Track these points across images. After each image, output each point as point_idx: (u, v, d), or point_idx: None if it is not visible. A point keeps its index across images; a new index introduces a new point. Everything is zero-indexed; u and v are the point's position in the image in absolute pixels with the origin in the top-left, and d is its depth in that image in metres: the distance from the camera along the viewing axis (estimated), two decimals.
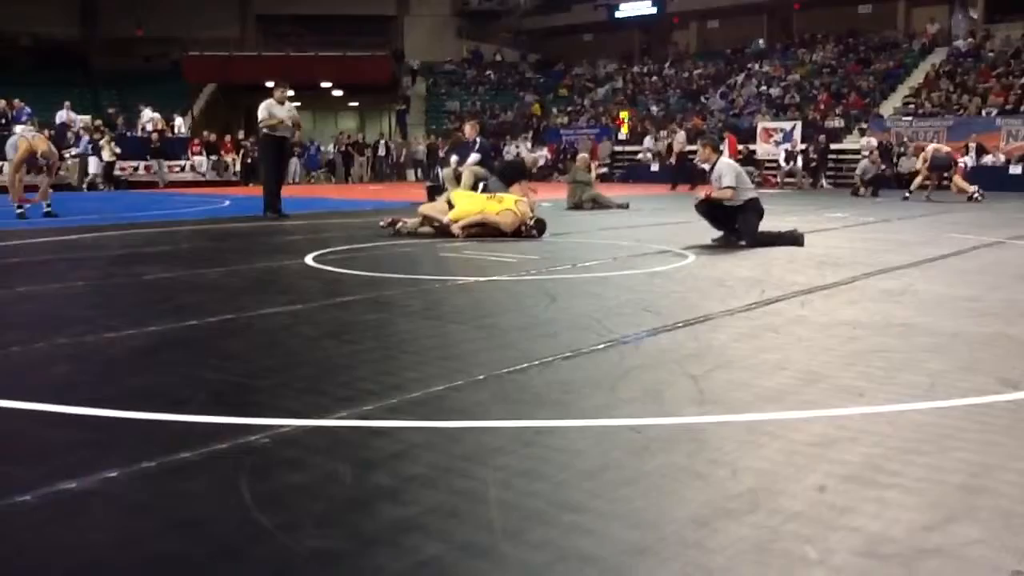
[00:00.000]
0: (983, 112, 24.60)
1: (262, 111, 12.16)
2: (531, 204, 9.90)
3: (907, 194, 18.23)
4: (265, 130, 12.19)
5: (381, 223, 9.97)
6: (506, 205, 9.52)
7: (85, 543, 2.03)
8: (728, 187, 8.70)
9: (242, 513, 2.18)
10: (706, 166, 9.48)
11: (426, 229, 9.74)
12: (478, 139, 13.69)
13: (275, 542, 2.03)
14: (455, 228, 9.41)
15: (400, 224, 9.80)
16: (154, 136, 24.49)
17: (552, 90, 36.46)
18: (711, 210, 9.02)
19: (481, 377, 3.50)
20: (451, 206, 9.71)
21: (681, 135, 25.38)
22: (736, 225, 8.83)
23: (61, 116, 23.60)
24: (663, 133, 28.72)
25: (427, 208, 10.12)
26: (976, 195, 17.28)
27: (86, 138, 22.43)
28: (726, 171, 8.84)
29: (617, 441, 2.78)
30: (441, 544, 2.01)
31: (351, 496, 2.32)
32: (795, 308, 5.16)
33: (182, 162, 25.72)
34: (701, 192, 9.02)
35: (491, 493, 2.31)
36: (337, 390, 3.32)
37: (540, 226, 9.59)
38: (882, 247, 8.92)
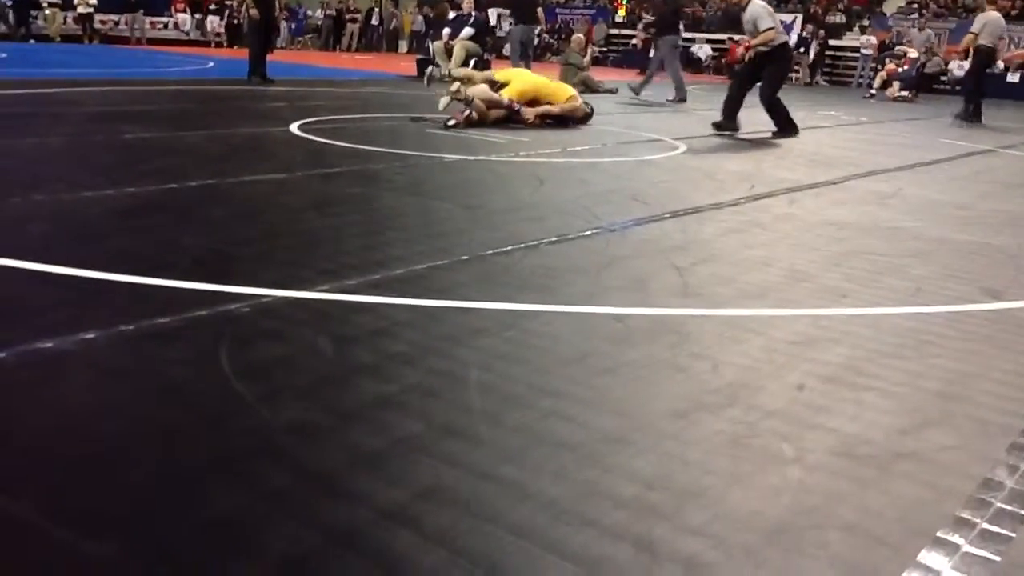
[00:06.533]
0: None
1: None
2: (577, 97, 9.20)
3: (872, 92, 18.44)
4: None
5: (451, 122, 7.99)
6: (568, 93, 8.95)
7: (63, 404, 2.02)
8: (769, 28, 8.76)
9: (221, 382, 2.16)
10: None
11: (487, 110, 8.29)
12: (473, 13, 13.30)
13: (254, 413, 2.02)
14: (528, 113, 8.42)
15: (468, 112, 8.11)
16: None
17: None
18: (749, 68, 9.06)
19: (465, 257, 3.46)
20: (495, 84, 8.67)
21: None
22: (763, 75, 8.95)
23: None
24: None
25: (483, 93, 8.35)
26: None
27: None
28: (761, 14, 8.85)
29: (599, 329, 2.77)
30: (419, 423, 2.01)
31: (331, 370, 2.30)
32: (783, 205, 5.13)
33: (164, 19, 24.89)
34: (737, 51, 9.29)
35: (471, 375, 2.31)
36: (319, 263, 3.28)
37: (591, 111, 9.27)
38: (874, 148, 8.85)
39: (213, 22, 25.01)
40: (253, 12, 11.71)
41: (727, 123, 9.03)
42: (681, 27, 14.68)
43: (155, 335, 2.44)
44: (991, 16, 12.54)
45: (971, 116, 12.61)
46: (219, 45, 24.42)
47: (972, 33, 12.48)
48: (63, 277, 2.91)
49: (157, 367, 2.26)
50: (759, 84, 9.14)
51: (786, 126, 9.09)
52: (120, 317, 2.52)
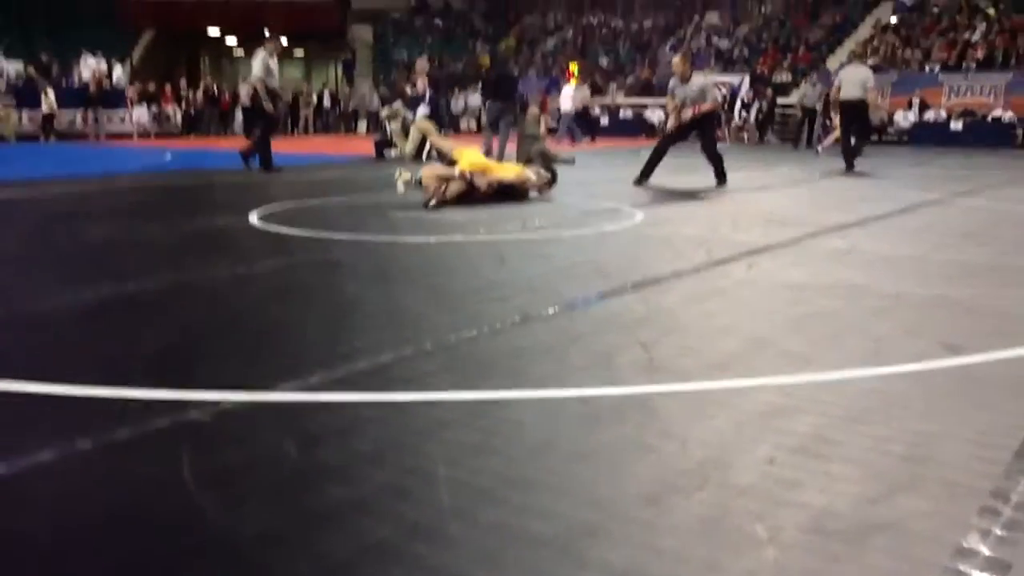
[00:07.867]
0: (926, 68, 24.87)
1: (259, 66, 12.00)
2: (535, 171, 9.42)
3: (819, 149, 18.73)
4: (262, 85, 12.04)
5: (431, 203, 8.03)
6: (517, 170, 9.17)
7: (17, 530, 1.96)
8: (715, 100, 10.93)
9: (184, 496, 2.12)
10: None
11: (440, 184, 8.24)
12: (428, 92, 13.52)
13: (218, 525, 1.98)
14: (481, 181, 8.40)
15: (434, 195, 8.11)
16: (92, 86, 23.68)
17: (501, 40, 36.00)
18: (680, 130, 10.81)
19: (429, 346, 3.45)
20: (446, 160, 8.93)
21: (585, 89, 24.95)
22: (704, 135, 10.77)
23: None
24: (613, 86, 28.61)
25: (433, 171, 8.55)
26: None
27: None
28: (709, 87, 10.90)
29: (567, 413, 2.77)
30: (389, 526, 1.98)
31: (296, 475, 2.27)
32: (742, 270, 5.18)
33: (121, 112, 24.95)
34: (684, 114, 10.61)
35: (440, 471, 2.28)
36: (282, 360, 3.25)
37: (554, 176, 9.57)
38: (827, 204, 9.01)
39: (139, 113, 24.92)
40: (268, 106, 11.90)
41: (644, 179, 10.52)
42: (514, 92, 15.78)
43: (114, 450, 2.39)
44: (844, 72, 13.73)
45: (850, 160, 13.52)
46: (155, 136, 24.50)
47: (836, 88, 13.61)
48: (16, 395, 2.85)
49: (117, 485, 2.21)
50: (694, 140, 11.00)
51: (721, 174, 10.62)
52: (76, 434, 2.47)
